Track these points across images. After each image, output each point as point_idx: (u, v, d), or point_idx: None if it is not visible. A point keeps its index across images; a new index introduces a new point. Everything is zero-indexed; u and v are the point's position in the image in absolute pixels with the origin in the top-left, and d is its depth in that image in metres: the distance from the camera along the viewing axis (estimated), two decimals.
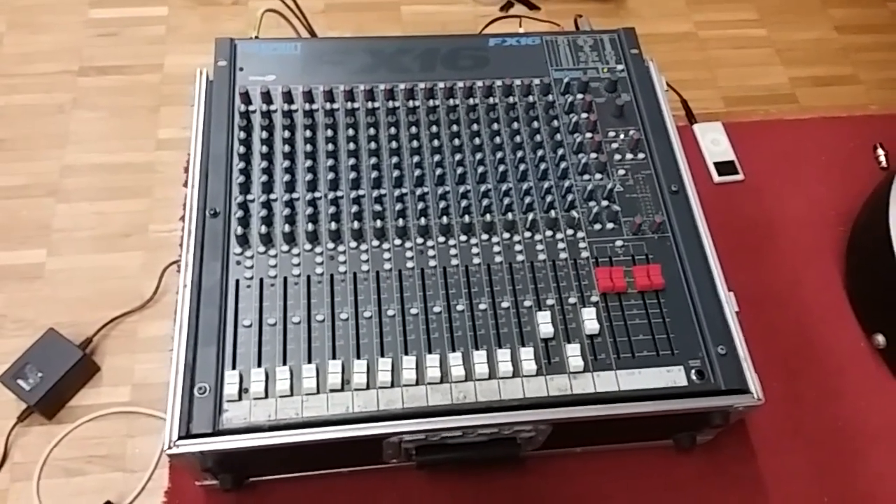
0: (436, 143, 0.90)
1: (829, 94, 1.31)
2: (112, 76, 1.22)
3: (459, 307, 0.79)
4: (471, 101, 0.93)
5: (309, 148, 0.87)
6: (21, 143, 1.13)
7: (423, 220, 0.83)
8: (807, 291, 1.05)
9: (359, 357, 0.76)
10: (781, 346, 1.00)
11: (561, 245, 0.84)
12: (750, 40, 1.38)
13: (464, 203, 0.85)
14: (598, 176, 0.89)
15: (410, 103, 0.92)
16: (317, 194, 0.85)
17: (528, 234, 0.85)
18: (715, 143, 1.17)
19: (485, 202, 0.85)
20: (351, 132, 0.89)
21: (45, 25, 1.26)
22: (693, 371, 0.78)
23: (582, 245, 0.84)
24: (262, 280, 0.79)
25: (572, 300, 0.81)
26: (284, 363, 0.75)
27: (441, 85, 0.94)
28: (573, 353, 0.77)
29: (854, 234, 1.07)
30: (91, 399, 0.93)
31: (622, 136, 0.93)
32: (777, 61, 1.35)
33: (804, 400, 0.96)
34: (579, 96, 0.95)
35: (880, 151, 1.18)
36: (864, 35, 1.40)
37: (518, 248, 0.84)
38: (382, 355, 0.76)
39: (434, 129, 0.91)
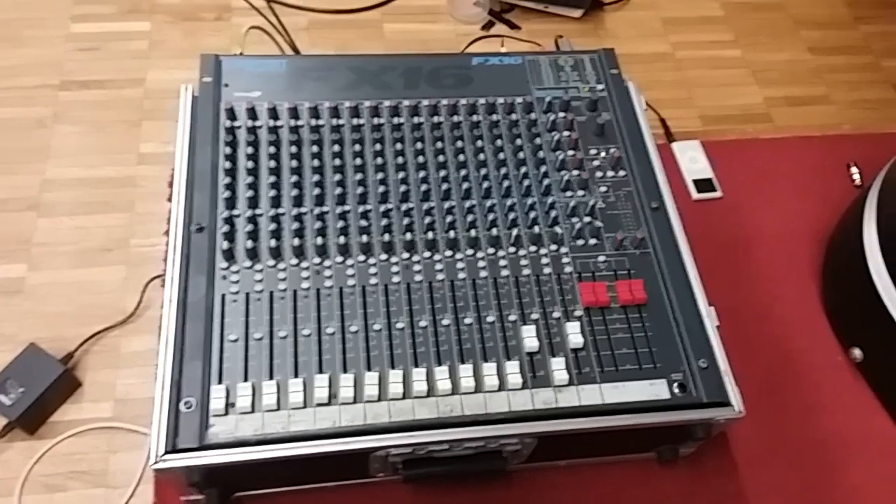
0: (420, 159, 0.90)
1: (802, 113, 1.34)
2: (94, 90, 1.22)
3: (445, 321, 0.80)
4: (455, 118, 0.94)
5: (294, 164, 0.87)
6: (1, 157, 1.13)
7: (408, 236, 0.84)
8: (784, 306, 1.07)
9: (345, 371, 0.76)
10: (761, 361, 1.01)
11: (545, 260, 0.85)
12: (725, 61, 1.41)
13: (449, 219, 0.86)
14: (580, 192, 0.91)
15: (395, 120, 0.93)
16: (302, 209, 0.85)
17: (512, 249, 0.85)
18: (693, 161, 1.19)
19: (469, 218, 0.86)
20: (336, 148, 0.90)
21: (26, 39, 1.26)
22: (675, 384, 0.79)
23: (565, 260, 0.86)
24: (248, 295, 0.79)
25: (556, 314, 0.82)
26: (271, 377, 0.75)
27: (425, 102, 0.95)
28: (558, 367, 0.78)
29: (830, 251, 1.10)
30: (73, 414, 0.93)
31: (603, 154, 0.94)
32: (752, 81, 1.38)
33: (784, 413, 0.98)
34: (561, 115, 0.96)
35: (854, 169, 1.21)
36: (836, 56, 1.44)
37: (503, 263, 0.84)
38: (369, 369, 0.76)
39: (419, 145, 0.91)
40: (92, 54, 1.26)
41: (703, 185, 1.17)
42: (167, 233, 0.83)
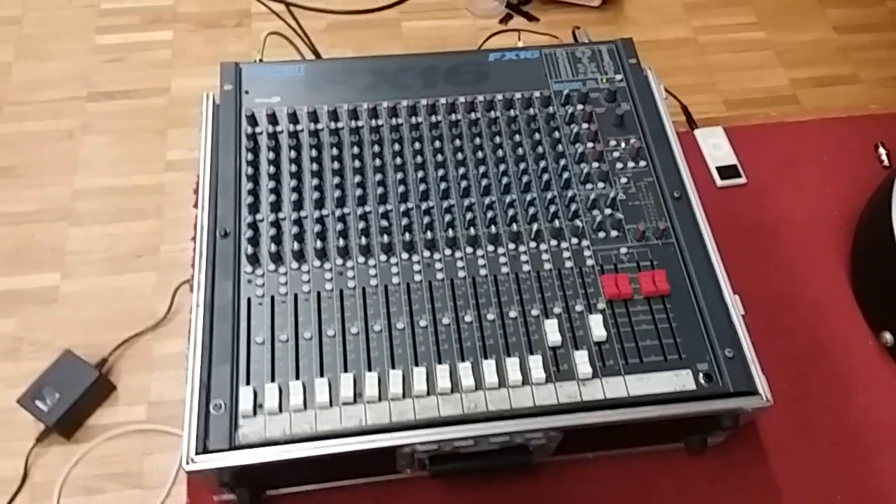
0: (439, 157, 0.91)
1: (830, 94, 1.32)
2: (120, 101, 1.24)
3: (468, 318, 0.80)
4: (472, 115, 0.95)
5: (315, 167, 0.88)
6: (32, 170, 1.16)
7: (429, 234, 0.84)
8: (813, 292, 1.05)
9: (370, 370, 0.77)
10: (789, 347, 1.00)
11: (566, 254, 0.85)
12: (749, 43, 1.39)
13: (469, 215, 0.86)
14: (600, 185, 0.90)
15: (413, 120, 0.94)
16: (324, 212, 0.86)
17: (533, 244, 0.86)
18: (716, 148, 1.18)
19: (489, 214, 0.87)
20: (356, 150, 0.90)
21: (52, 53, 1.29)
22: (701, 374, 0.79)
23: (587, 253, 0.85)
24: (273, 297, 0.81)
25: (579, 308, 0.82)
26: (297, 378, 0.76)
27: (443, 101, 0.95)
28: (581, 360, 0.78)
29: (858, 234, 1.08)
30: (108, 418, 0.95)
31: (623, 145, 0.94)
32: (777, 63, 1.36)
33: (814, 400, 0.97)
34: (579, 107, 0.96)
35: (882, 150, 1.18)
36: (863, 34, 1.41)
37: (524, 258, 0.85)
38: (393, 367, 0.77)
39: (437, 144, 0.92)
40: (117, 65, 1.29)
41: (727, 171, 1.15)
42: (194, 238, 0.84)
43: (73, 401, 0.91)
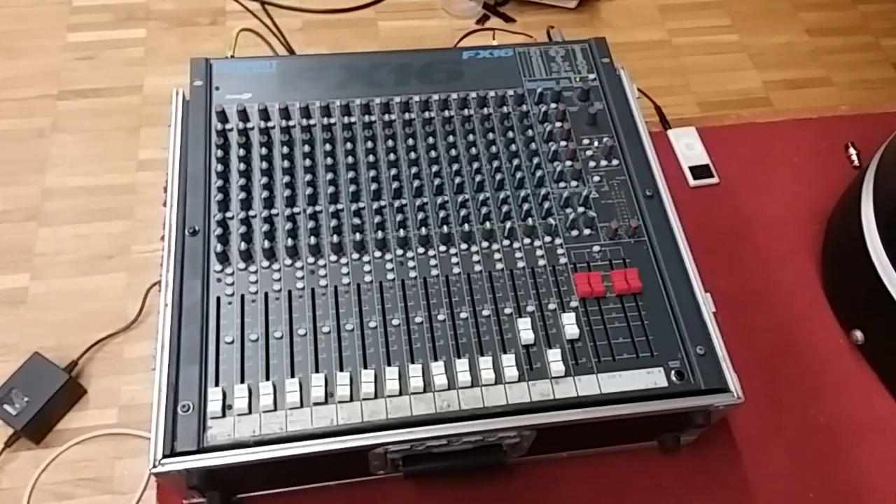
0: (413, 155, 0.90)
1: (802, 96, 1.33)
2: (91, 99, 1.23)
3: (441, 317, 0.80)
4: (446, 113, 0.94)
5: (286, 164, 0.88)
6: (1, 168, 1.14)
7: (402, 232, 0.84)
8: (784, 290, 1.06)
9: (342, 370, 0.76)
10: (761, 346, 1.01)
11: (539, 252, 0.85)
12: (723, 46, 1.40)
13: (442, 214, 0.86)
14: (573, 183, 0.90)
15: (386, 117, 0.93)
16: (296, 209, 0.85)
17: (506, 242, 0.85)
18: (689, 148, 1.18)
19: (463, 212, 0.86)
20: (328, 147, 0.90)
21: (23, 50, 1.27)
22: (673, 372, 0.79)
23: (560, 251, 0.85)
24: (243, 296, 0.80)
25: (552, 306, 0.82)
26: (267, 378, 0.75)
27: (416, 98, 0.95)
28: (554, 359, 0.78)
29: (829, 233, 1.09)
30: (78, 422, 0.93)
31: (596, 144, 0.94)
32: (750, 66, 1.37)
33: (786, 398, 0.98)
34: (553, 106, 0.96)
35: (852, 151, 1.20)
36: (834, 37, 1.42)
37: (497, 256, 0.84)
38: (365, 367, 0.77)
39: (410, 141, 0.91)
40: (89, 63, 1.27)
41: (700, 171, 1.16)
42: (164, 238, 0.83)
43: (43, 404, 0.89)
